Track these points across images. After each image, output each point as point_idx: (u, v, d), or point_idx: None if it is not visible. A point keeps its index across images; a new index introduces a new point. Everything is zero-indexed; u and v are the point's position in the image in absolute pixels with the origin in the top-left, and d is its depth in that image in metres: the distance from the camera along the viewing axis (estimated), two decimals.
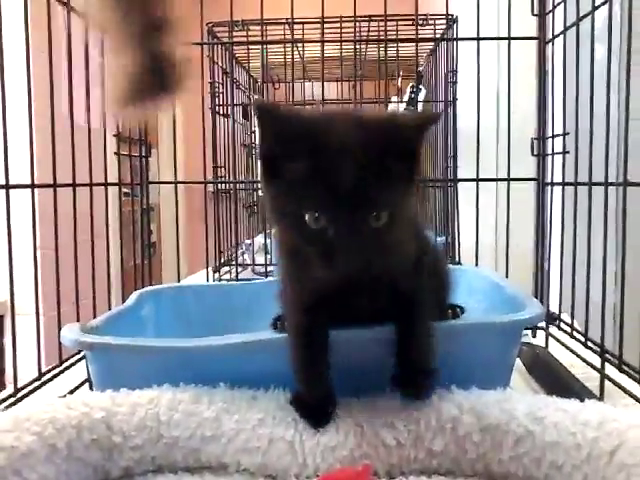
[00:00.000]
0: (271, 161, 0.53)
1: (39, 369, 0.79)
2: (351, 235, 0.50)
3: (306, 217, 0.51)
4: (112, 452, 0.58)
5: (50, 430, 0.54)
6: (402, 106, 1.81)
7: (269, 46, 1.57)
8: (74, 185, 0.85)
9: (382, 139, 0.51)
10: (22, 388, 0.75)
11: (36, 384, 0.78)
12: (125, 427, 0.58)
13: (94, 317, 0.80)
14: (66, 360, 0.85)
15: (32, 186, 0.77)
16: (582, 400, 0.60)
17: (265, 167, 0.54)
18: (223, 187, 1.59)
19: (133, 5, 0.57)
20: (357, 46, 1.31)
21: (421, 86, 1.85)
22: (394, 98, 1.91)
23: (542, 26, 1.07)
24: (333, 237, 0.50)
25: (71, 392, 0.79)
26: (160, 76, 0.58)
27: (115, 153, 1.04)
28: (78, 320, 0.81)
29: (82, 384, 0.82)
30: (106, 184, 0.95)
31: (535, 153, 1.08)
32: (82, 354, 0.84)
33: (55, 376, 0.82)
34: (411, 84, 1.85)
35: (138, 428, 0.59)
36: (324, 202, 0.50)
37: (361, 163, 0.50)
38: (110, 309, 0.87)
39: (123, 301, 0.89)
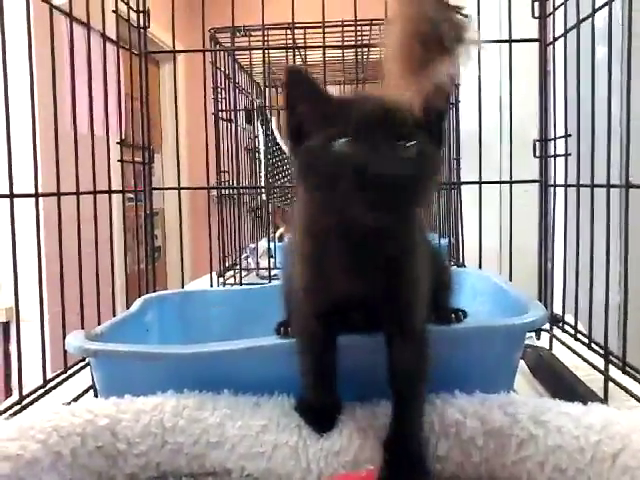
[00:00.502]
0: (298, 127, 0.55)
1: (44, 376, 0.80)
2: (385, 154, 0.50)
3: (336, 144, 0.51)
4: (117, 459, 0.58)
5: (55, 438, 0.54)
6: None
7: (271, 51, 1.58)
8: (78, 193, 0.86)
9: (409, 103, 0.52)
10: (27, 396, 0.76)
11: (41, 391, 0.78)
12: (129, 434, 0.59)
13: (99, 324, 0.80)
14: (71, 367, 0.85)
15: (36, 195, 0.77)
16: (586, 402, 0.60)
17: (293, 133, 0.55)
18: (227, 192, 1.60)
19: None
20: (359, 50, 1.31)
21: None
22: None
23: (543, 28, 1.07)
24: (365, 161, 0.49)
25: (76, 399, 0.79)
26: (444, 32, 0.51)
27: (118, 160, 1.05)
28: (83, 327, 0.81)
29: (87, 391, 0.82)
30: (110, 191, 0.96)
31: (537, 155, 1.08)
32: (87, 361, 0.85)
33: (60, 383, 0.82)
34: None
35: (142, 435, 0.59)
36: (355, 129, 0.51)
37: (389, 105, 0.51)
38: (115, 315, 0.87)
39: (127, 307, 0.89)
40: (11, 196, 0.72)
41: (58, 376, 0.83)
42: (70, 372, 0.85)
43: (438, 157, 0.55)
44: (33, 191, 0.77)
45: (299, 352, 0.62)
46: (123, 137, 1.06)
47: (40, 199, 0.79)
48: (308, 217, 0.59)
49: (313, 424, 0.61)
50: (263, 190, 1.97)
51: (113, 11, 1.03)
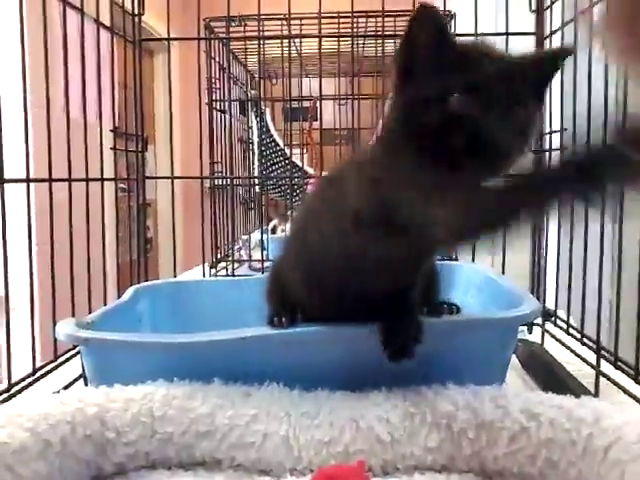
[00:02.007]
0: (409, 66, 0.53)
1: (33, 364, 0.79)
2: (502, 119, 0.49)
3: (452, 99, 0.49)
4: (106, 448, 0.58)
5: (43, 426, 0.53)
6: None
7: (266, 41, 1.57)
8: (70, 180, 0.85)
9: (524, 60, 0.54)
10: (16, 384, 0.75)
11: (30, 380, 0.77)
12: (119, 423, 0.58)
13: (89, 312, 0.80)
14: (61, 355, 0.85)
15: (27, 180, 0.76)
16: (577, 396, 0.60)
17: (401, 71, 0.54)
18: (220, 182, 1.59)
19: None
20: (355, 41, 1.30)
21: None
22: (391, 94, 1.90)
23: (540, 22, 1.07)
24: (479, 124, 0.48)
25: (65, 387, 0.78)
26: None
27: (111, 148, 1.04)
28: (73, 315, 0.81)
29: (77, 379, 0.82)
30: (102, 179, 0.95)
31: (533, 149, 1.07)
32: (77, 349, 0.84)
33: (50, 371, 0.81)
34: None
35: (132, 424, 0.59)
36: (473, 87, 0.49)
37: (507, 65, 0.51)
38: (106, 304, 0.86)
39: (119, 297, 0.89)
40: (1, 181, 0.71)
41: (48, 364, 0.82)
42: (60, 360, 0.84)
43: (538, 121, 0.55)
44: (24, 176, 0.76)
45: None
46: (116, 125, 1.05)
47: (31, 186, 0.78)
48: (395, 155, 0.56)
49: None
50: (256, 182, 1.96)
51: None
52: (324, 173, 1.82)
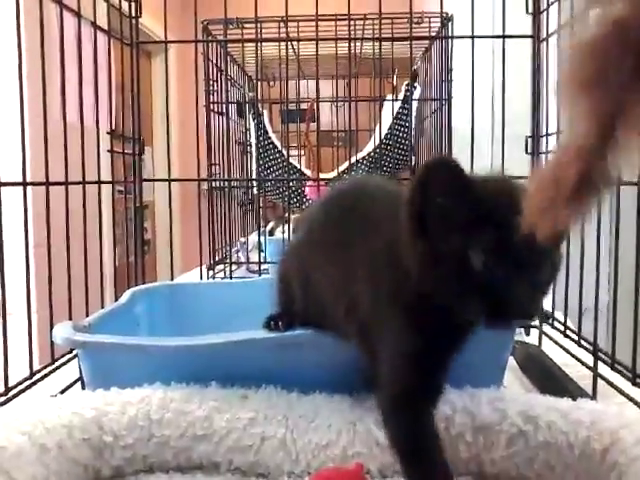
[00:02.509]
0: (421, 218, 0.49)
1: (31, 368, 0.79)
2: (526, 284, 0.46)
3: (473, 261, 0.46)
4: (103, 451, 0.58)
5: (40, 430, 0.53)
6: (397, 104, 1.81)
7: (264, 44, 1.57)
8: (67, 183, 0.85)
9: None
10: (13, 387, 0.75)
11: (27, 383, 0.77)
12: (116, 426, 0.58)
13: (87, 315, 0.79)
14: (58, 359, 0.84)
15: (24, 184, 0.76)
16: (575, 399, 0.60)
17: (414, 225, 0.49)
18: (217, 185, 1.59)
19: None
20: (352, 44, 1.31)
21: (416, 84, 1.85)
22: (389, 96, 1.91)
23: (536, 24, 1.07)
24: (505, 286, 0.45)
25: (63, 391, 0.78)
26: None
27: (108, 151, 1.04)
28: (70, 318, 0.80)
29: (74, 383, 0.81)
30: (99, 182, 0.95)
31: (529, 151, 1.08)
32: (74, 353, 0.84)
33: (47, 375, 0.81)
34: (406, 82, 1.85)
35: (129, 427, 0.59)
36: (496, 247, 0.46)
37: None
38: (103, 307, 0.86)
39: (116, 299, 0.89)
40: None
41: (45, 368, 0.82)
42: (57, 364, 0.84)
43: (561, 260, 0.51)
44: (21, 180, 0.76)
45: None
46: (113, 128, 1.05)
47: (29, 189, 0.78)
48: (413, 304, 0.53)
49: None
50: (254, 184, 1.96)
51: (105, 0, 1.01)
52: (324, 175, 1.83)
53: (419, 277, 0.50)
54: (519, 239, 0.42)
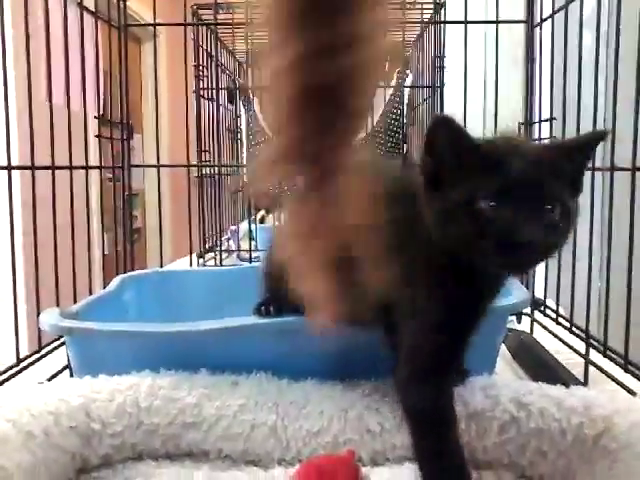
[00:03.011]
0: (435, 173, 0.52)
1: (17, 355, 0.78)
2: (532, 221, 0.48)
3: (481, 205, 0.48)
4: (91, 439, 0.57)
5: (26, 417, 0.52)
6: (389, 91, 1.79)
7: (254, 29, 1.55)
8: (53, 168, 0.83)
9: (555, 152, 0.52)
10: None
11: (14, 370, 0.76)
12: (104, 414, 0.57)
13: (74, 302, 0.78)
14: (46, 346, 0.83)
15: (9, 168, 0.75)
16: (567, 386, 0.60)
17: (429, 179, 0.53)
18: (208, 172, 1.57)
19: None
20: None
21: (408, 71, 1.83)
22: (380, 83, 1.89)
23: (530, 10, 1.07)
24: (511, 227, 0.48)
25: (50, 378, 0.77)
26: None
27: (96, 136, 1.02)
28: (58, 305, 0.79)
29: (62, 370, 0.80)
30: (87, 167, 0.93)
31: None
32: (62, 340, 0.83)
33: (34, 362, 0.80)
34: (398, 69, 1.83)
35: (117, 415, 0.58)
36: (501, 189, 0.48)
37: (537, 162, 0.50)
38: (92, 295, 0.85)
39: (105, 287, 0.88)
40: None
41: (32, 355, 0.81)
42: (45, 351, 0.83)
43: (577, 212, 0.52)
44: (6, 164, 0.75)
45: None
46: (101, 112, 1.03)
47: (16, 175, 0.77)
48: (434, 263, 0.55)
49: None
50: (245, 170, 1.94)
51: None
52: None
53: (437, 231, 0.52)
54: (523, 182, 0.48)
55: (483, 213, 0.48)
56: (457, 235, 0.50)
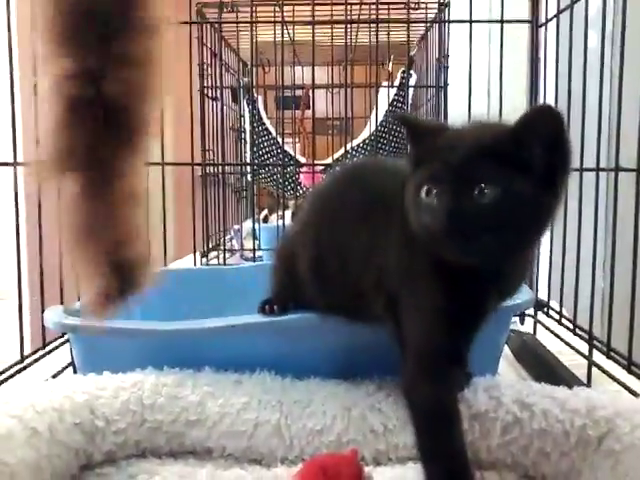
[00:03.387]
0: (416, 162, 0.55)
1: (21, 352, 0.78)
2: (451, 203, 0.48)
3: (422, 191, 0.51)
4: (95, 436, 0.57)
5: (31, 413, 0.52)
6: (392, 91, 1.79)
7: (259, 28, 1.55)
8: None
9: (501, 135, 0.50)
10: (3, 372, 0.74)
11: (18, 367, 0.76)
12: (108, 411, 0.58)
13: (79, 300, 0.78)
14: (50, 343, 0.83)
15: (14, 164, 0.75)
16: (570, 387, 0.60)
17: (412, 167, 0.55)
18: (211, 171, 1.57)
19: None
20: (348, 27, 1.29)
21: (412, 71, 1.83)
22: (384, 83, 1.89)
23: (535, 9, 1.06)
24: (441, 213, 0.49)
25: (54, 375, 0.77)
26: None
27: None
28: (62, 302, 0.80)
29: (66, 367, 0.81)
30: None
31: None
32: (66, 337, 0.83)
33: (38, 359, 0.80)
34: (402, 69, 1.83)
35: (121, 412, 0.58)
36: (434, 176, 0.50)
37: (473, 146, 0.50)
38: None
39: None
40: None
41: (36, 352, 0.81)
42: (49, 348, 0.83)
43: (534, 196, 0.49)
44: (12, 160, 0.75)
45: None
46: None
47: (20, 171, 0.77)
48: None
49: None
50: (248, 170, 1.95)
51: None
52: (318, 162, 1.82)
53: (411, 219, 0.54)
54: (453, 167, 0.49)
55: (422, 200, 0.51)
56: (414, 225, 0.53)
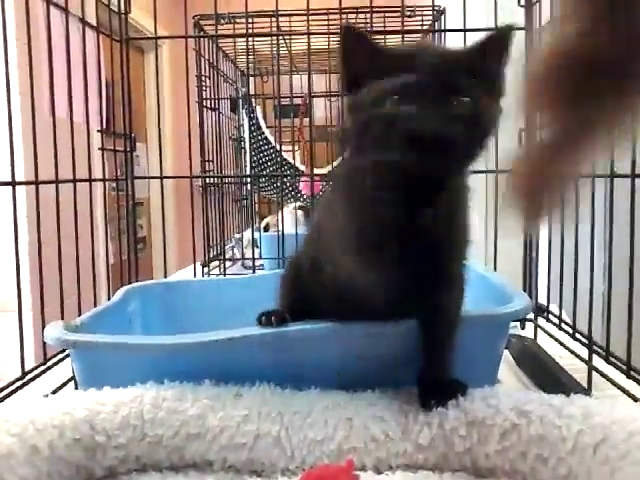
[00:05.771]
0: (352, 81, 0.55)
1: (22, 368, 0.78)
2: (431, 112, 0.49)
3: (387, 103, 0.50)
4: (95, 452, 0.57)
5: (31, 431, 0.53)
6: None
7: (256, 39, 1.56)
8: (57, 182, 0.84)
9: (465, 52, 0.54)
10: (4, 388, 0.75)
11: (19, 384, 0.76)
12: (108, 426, 0.58)
13: (79, 314, 0.79)
14: (51, 358, 0.84)
15: (13, 183, 0.76)
16: (569, 392, 0.60)
17: (348, 87, 0.55)
18: (211, 181, 1.58)
19: None
20: None
21: None
22: None
23: (529, 16, 1.07)
24: (412, 121, 0.49)
25: (55, 391, 0.78)
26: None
27: (99, 148, 1.03)
28: (63, 317, 0.80)
29: (67, 382, 0.81)
30: (90, 180, 0.94)
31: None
32: (67, 352, 0.83)
33: (39, 375, 0.81)
34: None
35: (122, 427, 0.58)
36: (407, 86, 0.50)
37: (442, 59, 0.52)
38: (96, 306, 0.86)
39: (112, 294, 0.88)
40: None
41: (37, 367, 0.81)
42: (50, 363, 0.83)
43: (494, 110, 0.54)
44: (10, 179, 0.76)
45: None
46: (104, 125, 1.04)
47: (23, 188, 0.78)
48: (357, 169, 0.58)
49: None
50: (248, 180, 1.95)
51: None
52: (318, 170, 1.82)
53: (352, 135, 0.54)
54: (426, 78, 0.50)
55: (386, 110, 0.50)
56: (369, 136, 0.52)
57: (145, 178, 1.26)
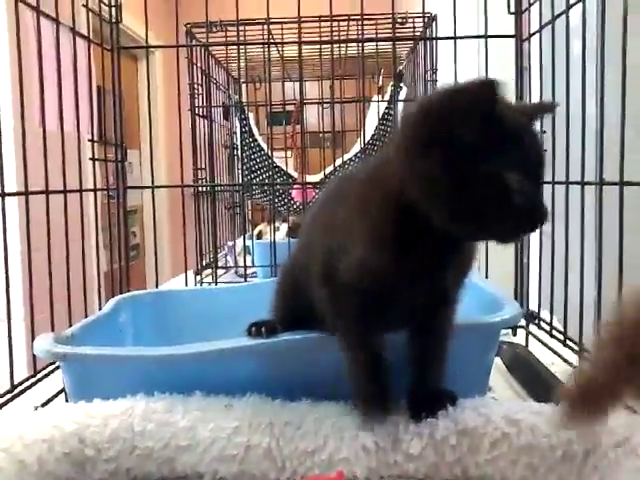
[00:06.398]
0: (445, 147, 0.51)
1: (11, 381, 0.78)
2: (541, 197, 0.53)
3: (507, 179, 0.50)
4: (85, 465, 0.57)
5: (19, 446, 0.53)
6: (383, 105, 1.80)
7: (248, 46, 1.56)
8: (47, 192, 0.84)
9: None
10: None
11: (8, 396, 0.76)
12: (98, 439, 0.58)
13: (70, 324, 0.79)
14: (40, 370, 0.83)
15: (2, 195, 0.75)
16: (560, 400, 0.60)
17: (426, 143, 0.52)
18: (204, 188, 1.58)
19: None
20: (335, 46, 1.30)
21: (402, 85, 1.85)
22: (375, 97, 1.91)
23: (519, 24, 1.07)
24: (532, 197, 0.51)
25: (46, 403, 0.77)
26: None
27: (90, 158, 1.03)
28: (53, 327, 0.80)
29: (57, 395, 0.80)
30: (81, 190, 0.94)
31: None
32: (57, 363, 0.83)
33: (30, 387, 0.80)
34: (392, 83, 1.85)
35: (111, 440, 0.58)
36: (528, 166, 0.52)
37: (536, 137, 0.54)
38: (87, 315, 0.85)
39: (103, 303, 0.88)
40: None
41: (27, 380, 0.81)
42: (40, 375, 0.83)
43: None
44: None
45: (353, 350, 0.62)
46: (95, 135, 1.04)
47: (14, 199, 0.78)
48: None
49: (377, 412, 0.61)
50: (241, 187, 1.95)
51: (83, 5, 1.00)
52: (311, 177, 1.82)
53: (446, 205, 0.52)
54: (537, 158, 0.53)
55: (510, 185, 0.50)
56: (478, 209, 0.51)
57: (136, 188, 1.26)
